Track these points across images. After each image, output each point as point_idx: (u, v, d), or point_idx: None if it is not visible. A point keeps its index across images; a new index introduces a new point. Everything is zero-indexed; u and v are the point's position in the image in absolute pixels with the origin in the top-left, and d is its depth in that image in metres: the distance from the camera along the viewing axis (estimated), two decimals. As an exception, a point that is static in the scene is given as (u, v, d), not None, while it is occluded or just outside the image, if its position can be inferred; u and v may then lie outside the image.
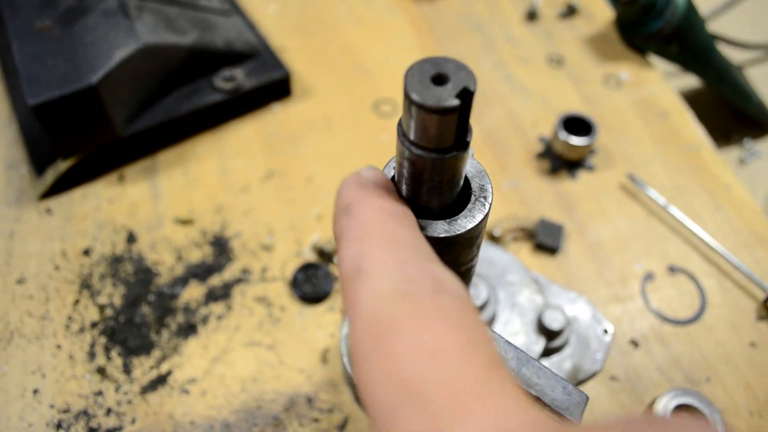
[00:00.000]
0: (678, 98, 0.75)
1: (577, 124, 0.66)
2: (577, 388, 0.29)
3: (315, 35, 0.81)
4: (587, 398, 0.29)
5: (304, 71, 0.76)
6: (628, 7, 0.75)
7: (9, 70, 0.73)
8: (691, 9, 0.73)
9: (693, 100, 0.87)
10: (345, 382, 0.51)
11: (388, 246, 0.23)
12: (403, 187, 0.29)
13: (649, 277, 0.59)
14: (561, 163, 0.66)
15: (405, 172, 0.28)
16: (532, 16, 0.83)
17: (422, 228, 0.28)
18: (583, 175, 0.67)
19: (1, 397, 0.50)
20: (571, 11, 0.84)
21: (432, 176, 0.27)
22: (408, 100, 0.24)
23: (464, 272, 0.34)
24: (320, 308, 0.56)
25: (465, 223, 0.28)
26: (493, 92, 0.75)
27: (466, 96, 0.24)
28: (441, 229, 0.28)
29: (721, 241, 0.61)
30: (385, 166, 0.31)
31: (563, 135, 0.64)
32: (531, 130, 0.71)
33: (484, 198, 0.29)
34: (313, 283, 0.56)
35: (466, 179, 0.30)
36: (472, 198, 0.29)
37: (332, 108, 0.73)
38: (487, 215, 0.29)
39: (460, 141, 0.26)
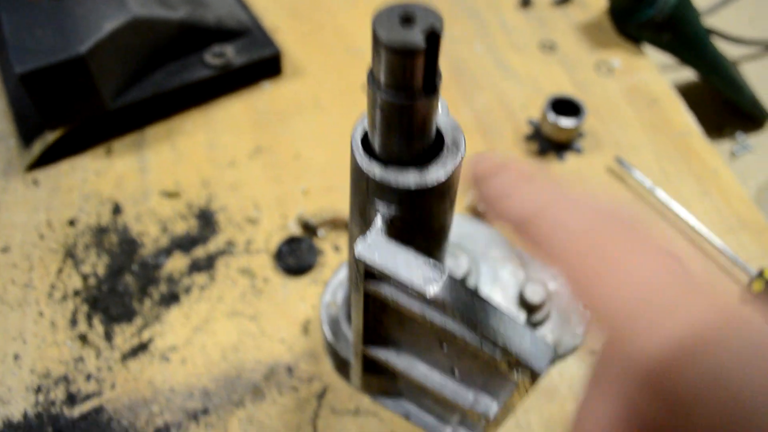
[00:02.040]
0: (669, 87, 0.75)
1: (566, 107, 0.66)
2: (545, 341, 0.29)
3: (308, 17, 0.81)
4: (554, 349, 0.29)
5: (295, 51, 0.76)
6: (621, -7, 0.75)
7: None
8: (683, -2, 0.73)
9: (687, 93, 0.87)
10: (325, 352, 0.51)
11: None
12: (375, 138, 0.29)
13: (633, 258, 0.59)
14: (549, 145, 0.67)
15: (375, 120, 0.28)
16: (526, 2, 0.83)
17: (392, 178, 0.28)
18: (570, 158, 0.67)
19: (-19, 361, 0.50)
20: (564, -2, 0.84)
21: (401, 122, 0.27)
22: (376, 41, 0.24)
23: (437, 231, 0.34)
24: (303, 280, 0.56)
25: (436, 170, 0.29)
26: (483, 76, 0.75)
27: (433, 37, 0.24)
28: (411, 178, 0.28)
29: (707, 225, 0.61)
30: (357, 124, 0.31)
31: (552, 116, 0.64)
32: (520, 113, 0.71)
33: (456, 149, 0.29)
34: (297, 255, 0.56)
35: (440, 133, 0.30)
36: (445, 150, 0.30)
37: (322, 88, 0.73)
38: (459, 166, 0.29)
39: (429, 84, 0.26)
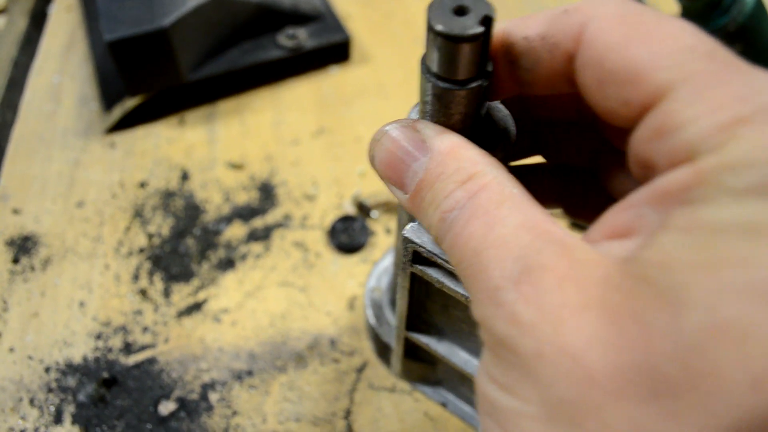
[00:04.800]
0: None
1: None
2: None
3: (379, 6, 0.83)
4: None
5: (364, 39, 0.78)
6: (694, 1, 0.73)
7: (91, 14, 0.78)
8: (759, 8, 0.71)
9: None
10: (367, 335, 0.53)
11: None
12: None
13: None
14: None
15: (429, 108, 0.29)
16: (598, 5, 0.82)
17: None
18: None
19: (51, 305, 0.54)
20: (639, 3, 0.83)
21: (457, 109, 0.28)
22: (433, 32, 0.25)
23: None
24: (353, 259, 0.57)
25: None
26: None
27: (488, 23, 0.25)
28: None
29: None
30: (410, 112, 0.32)
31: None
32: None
33: (507, 136, 0.30)
34: (349, 234, 0.58)
35: (493, 120, 0.31)
36: (496, 137, 0.30)
37: (387, 76, 0.74)
38: (507, 154, 0.30)
39: (483, 70, 0.27)
